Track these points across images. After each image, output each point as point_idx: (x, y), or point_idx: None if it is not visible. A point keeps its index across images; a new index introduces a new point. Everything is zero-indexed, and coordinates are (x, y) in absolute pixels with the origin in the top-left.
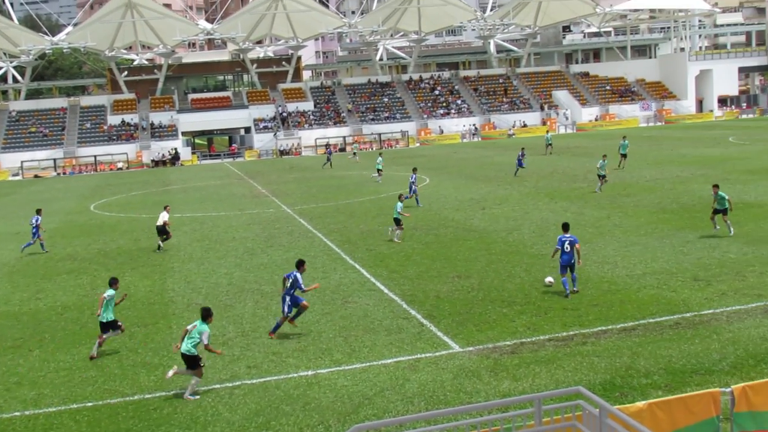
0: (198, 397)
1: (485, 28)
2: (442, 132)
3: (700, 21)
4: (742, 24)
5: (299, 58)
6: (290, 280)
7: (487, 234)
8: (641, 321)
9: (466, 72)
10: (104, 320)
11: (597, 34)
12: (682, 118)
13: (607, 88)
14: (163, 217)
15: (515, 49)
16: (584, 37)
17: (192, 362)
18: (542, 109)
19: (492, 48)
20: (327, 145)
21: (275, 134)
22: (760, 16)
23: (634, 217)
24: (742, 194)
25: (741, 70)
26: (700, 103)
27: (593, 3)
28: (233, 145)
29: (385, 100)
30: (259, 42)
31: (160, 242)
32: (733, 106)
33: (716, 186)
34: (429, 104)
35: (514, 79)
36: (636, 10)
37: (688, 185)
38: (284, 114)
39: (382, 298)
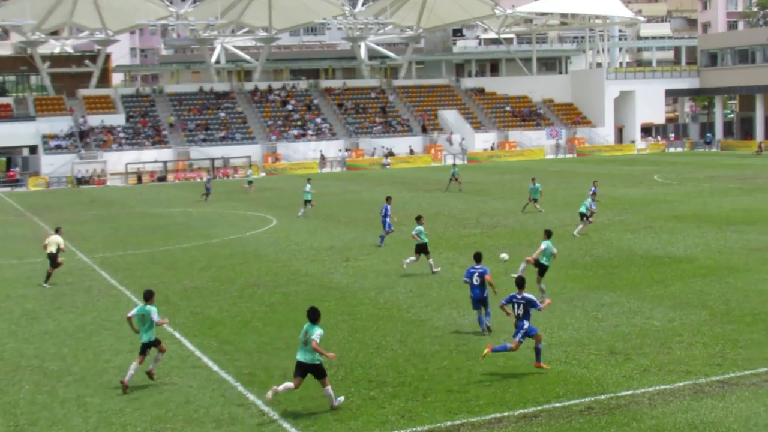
0: (341, 399)
1: (355, 27)
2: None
3: (620, 31)
4: (670, 37)
5: (108, 56)
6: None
7: (351, 293)
8: (545, 405)
9: (329, 82)
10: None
11: (496, 42)
12: (598, 150)
13: (507, 109)
14: (56, 241)
15: (393, 55)
16: (480, 44)
17: (318, 371)
18: (425, 131)
19: (363, 53)
20: (209, 172)
21: (80, 155)
22: (691, 29)
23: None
24: (668, 246)
25: (668, 93)
26: (619, 132)
27: (491, 2)
28: (12, 169)
29: (222, 115)
30: (55, 33)
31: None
32: (658, 137)
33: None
34: (279, 122)
35: (391, 93)
36: (544, 14)
37: (604, 233)
38: (85, 129)
39: (210, 378)
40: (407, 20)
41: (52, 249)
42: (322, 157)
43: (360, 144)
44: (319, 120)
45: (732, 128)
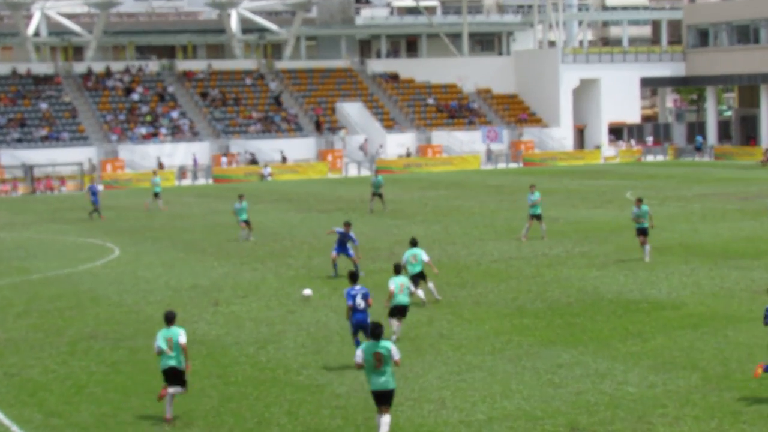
0: None
1: None
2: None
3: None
4: (646, 8)
5: None
6: None
7: (222, 348)
8: None
9: (189, 63)
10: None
11: (413, 12)
12: (552, 157)
13: (430, 101)
14: None
15: (275, 28)
16: (392, 14)
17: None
18: (319, 130)
19: (234, 25)
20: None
21: None
22: None
23: (474, 323)
24: (646, 287)
25: (645, 82)
26: (580, 134)
27: None
28: None
29: (43, 106)
30: None
31: None
32: (632, 141)
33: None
34: (122, 117)
35: (272, 79)
36: None
37: (561, 270)
38: None
39: None
40: None
41: None
42: (195, 163)
43: (231, 147)
44: (175, 114)
45: (729, 130)
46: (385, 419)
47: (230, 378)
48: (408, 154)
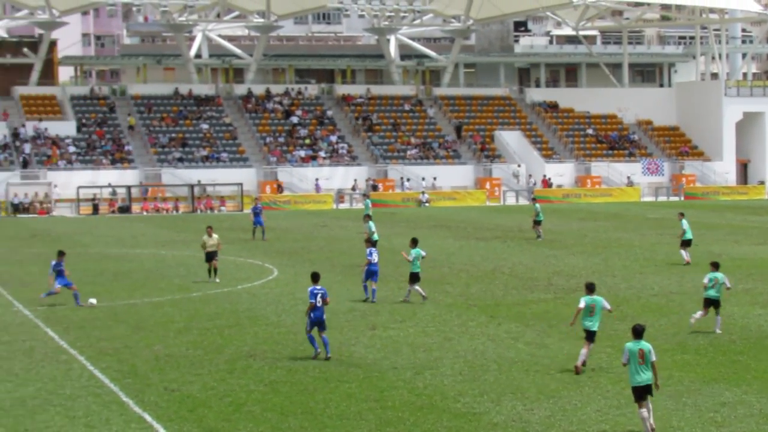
0: None
1: (382, 15)
2: (317, 189)
3: (744, 31)
4: None
5: (54, 44)
6: None
7: (379, 373)
8: None
9: (348, 88)
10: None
11: (573, 40)
12: (714, 192)
13: (589, 132)
14: None
15: (433, 54)
16: (551, 43)
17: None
18: (478, 158)
19: (393, 50)
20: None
21: (18, 174)
22: None
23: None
24: None
25: None
26: (743, 168)
27: None
28: None
29: (204, 127)
30: None
31: None
32: None
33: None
34: (281, 139)
35: (430, 105)
36: (639, 4)
37: (725, 307)
38: (23, 139)
39: None
40: (453, 8)
41: None
42: (354, 188)
43: (389, 173)
44: (334, 138)
45: None
46: (644, 413)
47: (387, 402)
48: (561, 185)
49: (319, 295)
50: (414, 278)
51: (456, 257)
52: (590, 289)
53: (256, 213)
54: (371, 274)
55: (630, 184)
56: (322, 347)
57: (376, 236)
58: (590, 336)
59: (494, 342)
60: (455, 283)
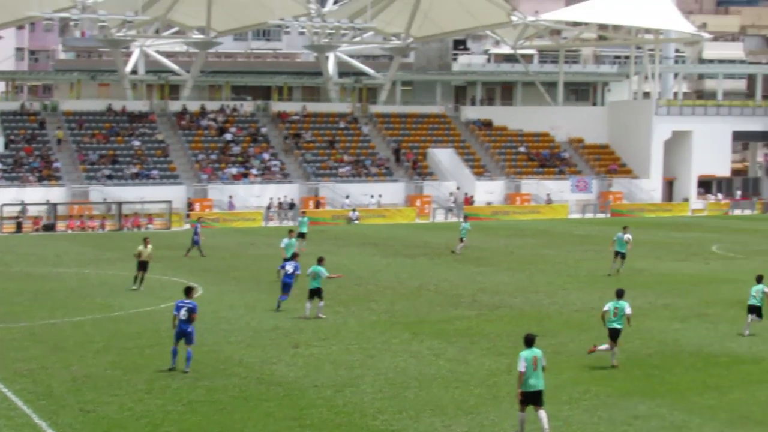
0: None
1: (322, 32)
2: (231, 206)
3: (677, 52)
4: (742, 61)
5: None
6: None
7: (299, 391)
8: None
9: (284, 105)
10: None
11: (510, 59)
12: (640, 209)
13: (521, 149)
14: None
15: (371, 72)
16: (489, 61)
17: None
18: (410, 175)
19: (331, 68)
20: (198, 219)
21: None
22: None
23: (553, 373)
24: (727, 341)
25: (737, 136)
26: (669, 186)
27: (507, 6)
28: None
29: (136, 144)
30: None
31: None
32: (720, 195)
33: None
34: (213, 156)
35: (365, 123)
36: (576, 24)
37: (643, 321)
38: None
39: None
40: (393, 26)
41: None
42: (270, 207)
43: (321, 190)
44: (266, 155)
45: None
46: (523, 417)
47: (306, 421)
48: (491, 203)
49: (185, 309)
50: (313, 294)
51: (382, 274)
52: (619, 295)
53: (197, 231)
54: (283, 285)
55: (549, 201)
56: (183, 362)
57: (286, 253)
58: (614, 334)
59: (416, 359)
60: (380, 300)
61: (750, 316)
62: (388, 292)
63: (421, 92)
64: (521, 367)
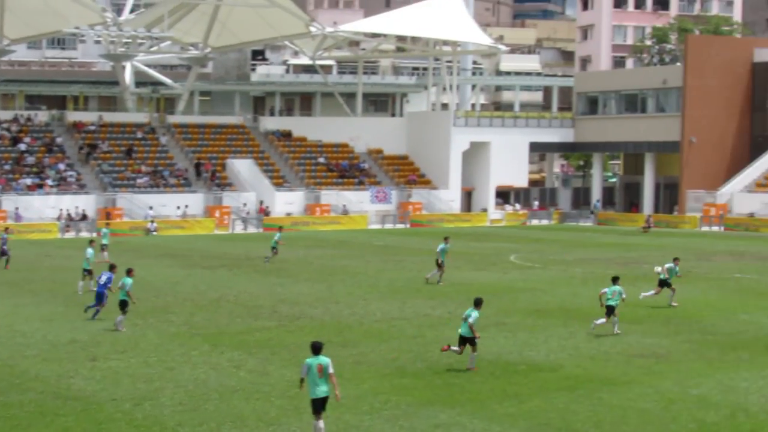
0: None
1: (118, 41)
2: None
3: (475, 63)
4: (538, 74)
5: None
6: None
7: (97, 404)
8: None
9: (79, 115)
10: None
11: (309, 70)
12: (439, 219)
13: (320, 160)
14: None
15: (169, 82)
16: (287, 71)
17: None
18: (209, 186)
19: (128, 77)
20: (5, 230)
21: None
22: (566, 64)
23: (354, 383)
24: (525, 349)
25: (534, 147)
26: (468, 197)
27: (307, 17)
28: None
29: None
30: None
31: None
32: (517, 205)
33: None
34: (7, 167)
35: (163, 133)
36: (375, 36)
37: (441, 331)
38: None
39: None
40: (191, 36)
41: None
42: (59, 218)
43: (118, 201)
44: (62, 166)
45: (613, 196)
46: (320, 425)
47: None
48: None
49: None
50: (122, 305)
51: (181, 286)
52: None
53: (4, 242)
54: (97, 296)
55: (345, 212)
56: None
57: (85, 263)
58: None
59: (216, 371)
60: (180, 312)
61: (612, 317)
62: (187, 303)
63: (220, 103)
64: (302, 373)
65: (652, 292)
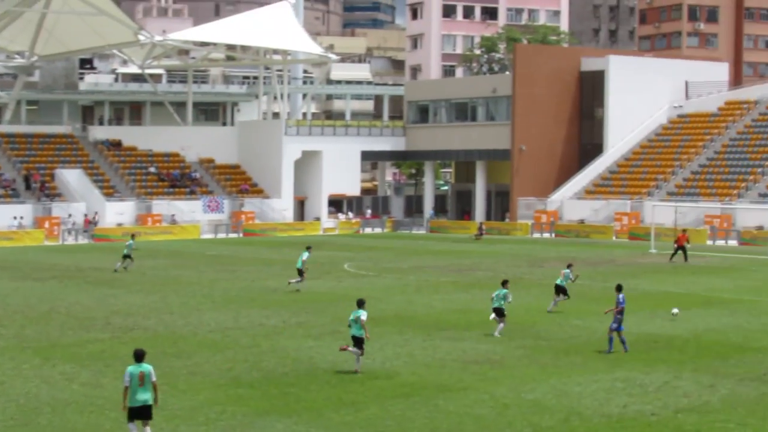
0: None
1: None
2: None
3: (306, 72)
4: (369, 83)
5: None
6: None
7: None
8: None
9: None
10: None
11: (139, 78)
12: (272, 228)
13: (151, 170)
14: None
15: None
16: (116, 80)
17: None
18: (38, 197)
19: None
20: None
21: None
22: (396, 73)
23: (189, 394)
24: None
25: (366, 156)
26: (301, 205)
27: (135, 26)
28: None
29: None
30: None
31: None
32: (350, 213)
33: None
34: None
35: None
36: (204, 44)
37: (277, 340)
38: None
39: None
40: (17, 44)
41: None
42: None
43: None
44: None
45: (445, 204)
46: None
47: None
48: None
49: None
50: None
51: (11, 298)
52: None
53: None
54: None
55: (174, 222)
56: None
57: None
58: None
59: (48, 384)
60: (9, 325)
61: (498, 319)
62: (17, 316)
63: (48, 112)
64: (125, 381)
65: (553, 303)
